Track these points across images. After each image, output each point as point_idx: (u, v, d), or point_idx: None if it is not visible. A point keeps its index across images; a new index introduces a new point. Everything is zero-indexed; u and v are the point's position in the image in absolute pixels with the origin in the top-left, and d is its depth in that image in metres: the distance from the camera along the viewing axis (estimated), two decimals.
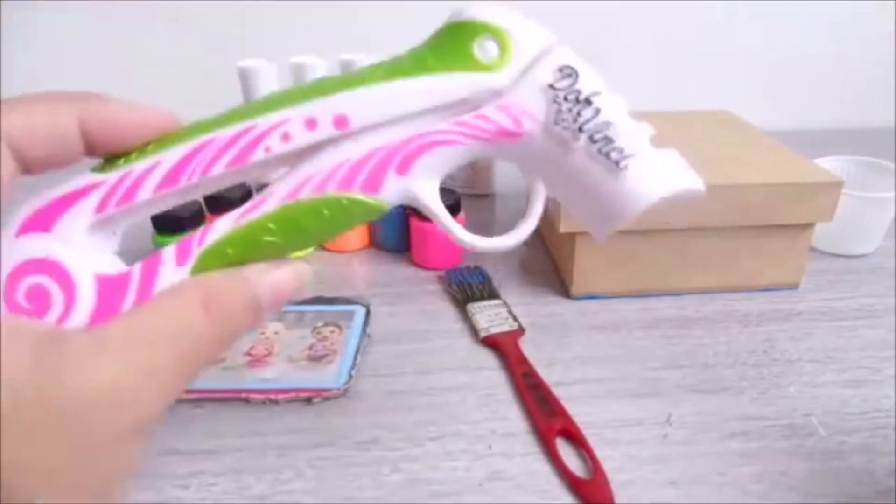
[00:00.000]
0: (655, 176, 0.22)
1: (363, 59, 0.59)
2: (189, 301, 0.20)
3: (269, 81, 0.60)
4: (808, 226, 0.48)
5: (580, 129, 0.22)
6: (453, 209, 0.53)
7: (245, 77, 0.60)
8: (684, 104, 0.69)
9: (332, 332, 0.44)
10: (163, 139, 0.22)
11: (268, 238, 0.22)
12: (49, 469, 0.17)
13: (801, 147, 0.52)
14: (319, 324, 0.45)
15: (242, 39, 0.83)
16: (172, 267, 0.22)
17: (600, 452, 0.35)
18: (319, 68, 0.60)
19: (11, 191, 0.20)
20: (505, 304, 0.48)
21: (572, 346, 0.44)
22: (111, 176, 0.22)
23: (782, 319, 0.47)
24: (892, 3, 0.85)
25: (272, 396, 0.39)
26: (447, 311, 0.48)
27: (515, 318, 0.46)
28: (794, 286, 0.51)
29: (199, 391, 0.39)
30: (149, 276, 0.21)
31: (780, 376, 0.41)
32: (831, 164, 0.57)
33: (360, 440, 0.36)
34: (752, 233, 0.48)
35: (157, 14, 0.82)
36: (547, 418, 0.37)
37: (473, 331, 0.45)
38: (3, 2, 0.79)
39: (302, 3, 0.82)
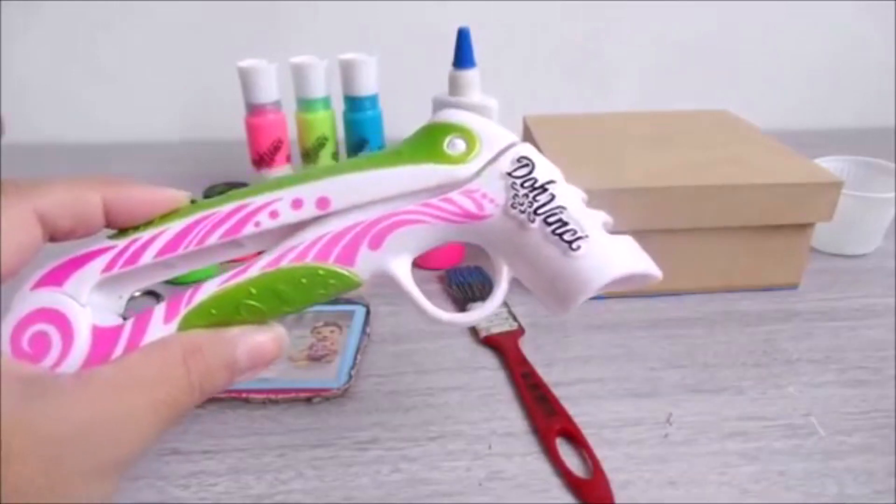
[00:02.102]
0: (608, 257, 0.24)
1: (363, 59, 0.59)
2: (170, 353, 0.22)
3: (269, 81, 0.60)
4: (808, 226, 0.48)
5: (535, 213, 0.25)
6: None
7: (245, 77, 0.60)
8: (684, 104, 0.69)
9: (331, 331, 0.44)
10: (171, 213, 0.25)
11: (249, 301, 0.24)
12: (23, 492, 0.19)
13: (801, 147, 0.52)
14: (319, 323, 0.45)
15: (242, 39, 0.83)
16: (161, 323, 0.23)
17: (600, 452, 0.35)
18: (319, 68, 0.60)
19: (34, 254, 0.23)
20: (505, 304, 0.47)
21: (572, 346, 0.44)
22: (121, 242, 0.24)
23: (782, 319, 0.47)
24: (892, 3, 0.85)
25: (272, 396, 0.39)
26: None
27: (515, 318, 0.46)
28: (794, 286, 0.51)
29: None
30: (139, 330, 0.23)
31: (780, 376, 0.41)
32: (831, 164, 0.57)
33: (360, 440, 0.36)
34: (752, 233, 0.48)
35: (157, 14, 0.82)
36: (547, 418, 0.37)
37: (473, 331, 0.45)
38: (3, 1, 0.79)
39: (302, 3, 0.82)
